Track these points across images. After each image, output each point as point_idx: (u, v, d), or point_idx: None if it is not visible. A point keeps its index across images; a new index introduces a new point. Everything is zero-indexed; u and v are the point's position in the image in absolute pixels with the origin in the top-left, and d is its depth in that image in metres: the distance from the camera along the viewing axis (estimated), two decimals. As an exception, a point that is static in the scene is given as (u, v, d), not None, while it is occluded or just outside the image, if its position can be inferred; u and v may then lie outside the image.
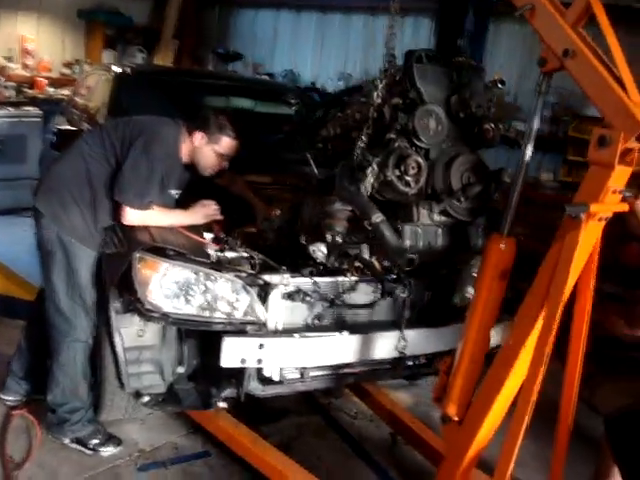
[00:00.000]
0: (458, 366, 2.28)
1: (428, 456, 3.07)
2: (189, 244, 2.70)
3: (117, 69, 4.44)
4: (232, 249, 2.79)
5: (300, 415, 3.47)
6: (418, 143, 2.19)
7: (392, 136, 2.16)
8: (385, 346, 2.76)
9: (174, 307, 2.56)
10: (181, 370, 2.78)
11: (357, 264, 2.81)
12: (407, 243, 2.26)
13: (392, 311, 2.89)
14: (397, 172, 2.10)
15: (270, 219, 2.99)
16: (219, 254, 2.74)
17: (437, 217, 2.28)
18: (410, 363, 2.96)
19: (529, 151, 2.04)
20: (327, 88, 8.56)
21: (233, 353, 2.49)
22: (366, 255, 2.79)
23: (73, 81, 7.10)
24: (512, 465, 2.00)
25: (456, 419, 2.29)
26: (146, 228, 2.69)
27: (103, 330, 2.76)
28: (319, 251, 2.71)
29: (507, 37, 6.90)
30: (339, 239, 2.42)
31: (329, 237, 2.38)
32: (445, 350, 2.88)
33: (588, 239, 1.90)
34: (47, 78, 8.29)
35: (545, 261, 1.96)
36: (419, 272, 2.96)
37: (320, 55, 9.28)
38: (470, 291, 3.13)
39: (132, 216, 2.66)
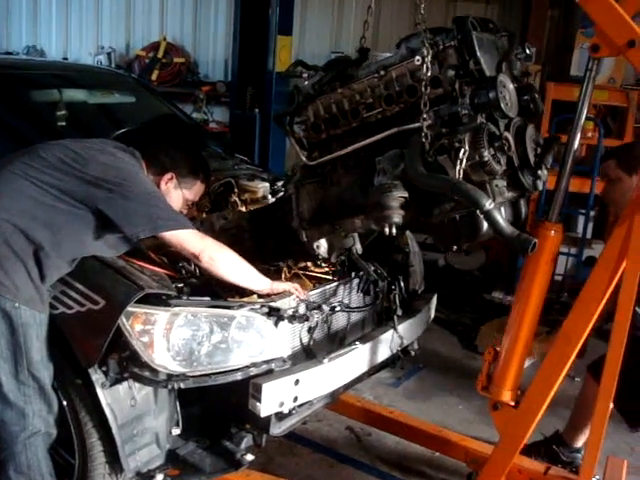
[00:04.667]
0: (511, 353, 2.29)
1: (407, 436, 3.09)
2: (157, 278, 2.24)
3: None
4: (192, 275, 2.41)
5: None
6: (498, 117, 2.00)
7: (465, 112, 1.94)
8: (384, 346, 2.67)
9: (181, 363, 2.12)
10: (177, 431, 2.33)
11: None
12: (485, 227, 2.09)
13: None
14: (492, 151, 1.93)
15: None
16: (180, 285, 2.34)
17: (507, 193, 2.09)
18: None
19: (578, 135, 2.09)
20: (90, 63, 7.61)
21: (272, 399, 2.17)
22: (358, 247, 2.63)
23: None
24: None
25: (512, 404, 2.32)
26: (115, 270, 2.16)
27: (83, 411, 2.16)
28: (322, 247, 2.50)
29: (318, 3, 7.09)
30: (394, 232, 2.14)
31: (387, 230, 2.10)
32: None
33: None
34: None
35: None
36: (381, 261, 2.91)
37: (67, 28, 8.19)
38: (419, 271, 3.16)
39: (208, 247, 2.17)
